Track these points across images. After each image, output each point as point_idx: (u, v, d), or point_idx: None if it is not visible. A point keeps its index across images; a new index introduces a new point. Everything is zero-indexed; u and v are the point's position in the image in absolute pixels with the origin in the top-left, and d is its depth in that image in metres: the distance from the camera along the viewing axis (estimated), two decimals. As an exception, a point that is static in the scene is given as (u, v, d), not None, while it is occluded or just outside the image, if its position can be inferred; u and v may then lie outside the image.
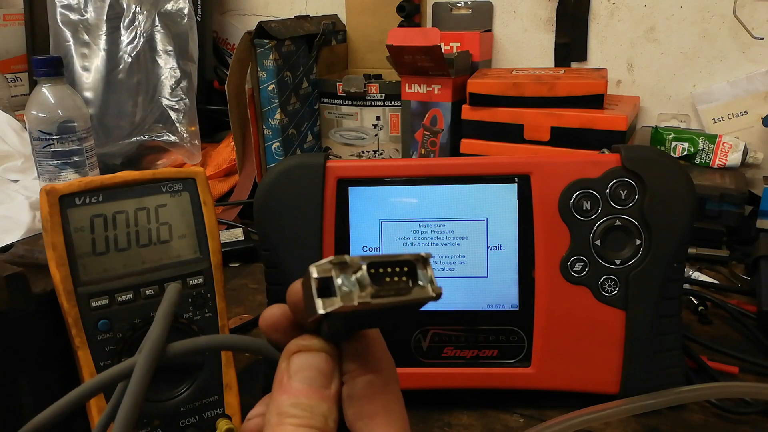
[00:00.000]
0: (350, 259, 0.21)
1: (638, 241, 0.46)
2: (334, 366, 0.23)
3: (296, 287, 0.23)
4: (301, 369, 0.23)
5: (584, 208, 0.47)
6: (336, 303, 0.20)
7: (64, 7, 1.12)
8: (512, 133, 0.79)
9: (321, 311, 0.20)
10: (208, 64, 1.14)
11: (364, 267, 0.21)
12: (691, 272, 0.70)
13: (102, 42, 1.10)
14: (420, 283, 0.21)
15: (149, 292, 0.40)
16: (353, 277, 0.21)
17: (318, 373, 0.23)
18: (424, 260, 0.22)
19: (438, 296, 0.22)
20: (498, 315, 0.48)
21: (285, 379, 0.23)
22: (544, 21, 0.97)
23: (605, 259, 0.47)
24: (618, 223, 0.46)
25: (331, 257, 0.21)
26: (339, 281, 0.20)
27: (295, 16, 0.95)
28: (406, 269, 0.21)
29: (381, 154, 0.94)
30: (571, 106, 0.76)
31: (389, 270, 0.21)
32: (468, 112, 0.82)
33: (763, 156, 0.84)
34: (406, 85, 0.86)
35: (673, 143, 0.86)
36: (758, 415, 0.46)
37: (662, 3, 0.89)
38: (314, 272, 0.21)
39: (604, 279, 0.46)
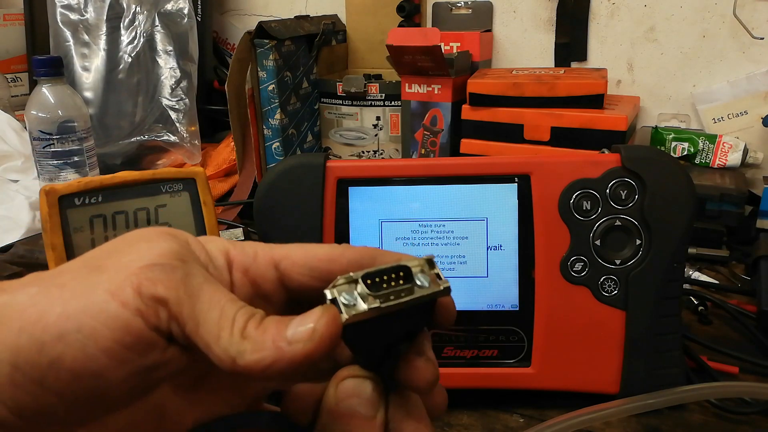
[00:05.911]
0: (354, 275, 0.22)
1: (638, 241, 0.46)
2: (379, 395, 0.24)
3: None
4: (348, 396, 0.23)
5: (584, 208, 0.47)
6: (342, 317, 0.21)
7: (64, 7, 1.12)
8: (512, 133, 0.79)
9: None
10: (208, 64, 1.14)
11: (360, 280, 0.22)
12: (691, 272, 0.70)
13: (102, 42, 1.10)
14: (418, 283, 0.22)
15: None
16: (355, 292, 0.22)
17: (365, 400, 0.23)
18: (429, 262, 0.23)
19: (447, 290, 0.22)
20: (498, 315, 0.48)
21: (334, 403, 0.23)
22: (544, 21, 0.97)
23: (605, 259, 0.47)
24: (618, 223, 0.46)
25: (338, 276, 0.22)
26: (342, 299, 0.21)
27: (295, 16, 0.95)
28: (402, 274, 0.22)
29: (381, 154, 0.94)
30: (571, 106, 0.76)
31: (385, 278, 0.22)
32: (468, 112, 0.82)
33: (763, 156, 0.84)
34: (406, 85, 0.86)
35: (673, 143, 0.86)
36: (758, 415, 0.46)
37: (662, 3, 0.89)
38: (329, 294, 0.22)
39: (604, 279, 0.46)
